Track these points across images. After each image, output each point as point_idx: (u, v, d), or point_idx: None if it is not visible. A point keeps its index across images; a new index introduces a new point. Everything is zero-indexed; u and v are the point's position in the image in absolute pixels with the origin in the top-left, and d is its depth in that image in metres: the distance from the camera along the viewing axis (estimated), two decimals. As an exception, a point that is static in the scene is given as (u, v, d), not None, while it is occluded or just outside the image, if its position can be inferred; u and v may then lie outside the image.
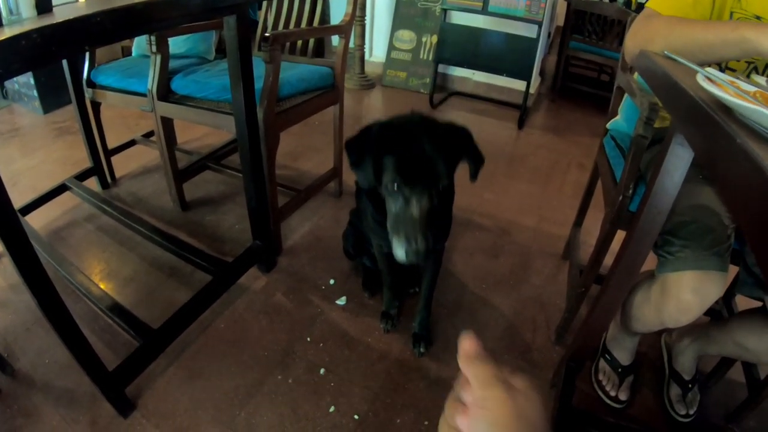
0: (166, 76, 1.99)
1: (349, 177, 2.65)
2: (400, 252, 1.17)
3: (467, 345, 0.43)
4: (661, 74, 0.82)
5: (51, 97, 3.45)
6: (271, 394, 1.51)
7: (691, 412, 1.50)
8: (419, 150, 1.15)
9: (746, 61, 1.24)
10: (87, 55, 2.24)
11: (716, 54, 0.98)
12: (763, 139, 0.50)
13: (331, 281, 1.99)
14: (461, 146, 1.24)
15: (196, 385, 1.52)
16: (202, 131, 3.23)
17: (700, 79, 0.65)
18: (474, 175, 1.28)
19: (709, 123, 0.57)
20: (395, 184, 1.17)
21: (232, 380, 1.54)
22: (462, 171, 1.26)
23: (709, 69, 0.70)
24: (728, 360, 1.58)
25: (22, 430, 1.37)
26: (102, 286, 1.78)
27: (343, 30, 2.10)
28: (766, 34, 0.87)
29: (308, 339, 1.71)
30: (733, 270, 1.31)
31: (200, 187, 2.58)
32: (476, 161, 1.26)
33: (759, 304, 1.32)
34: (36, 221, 2.20)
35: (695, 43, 1.00)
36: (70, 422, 1.39)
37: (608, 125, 1.78)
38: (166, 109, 2.01)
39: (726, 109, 0.58)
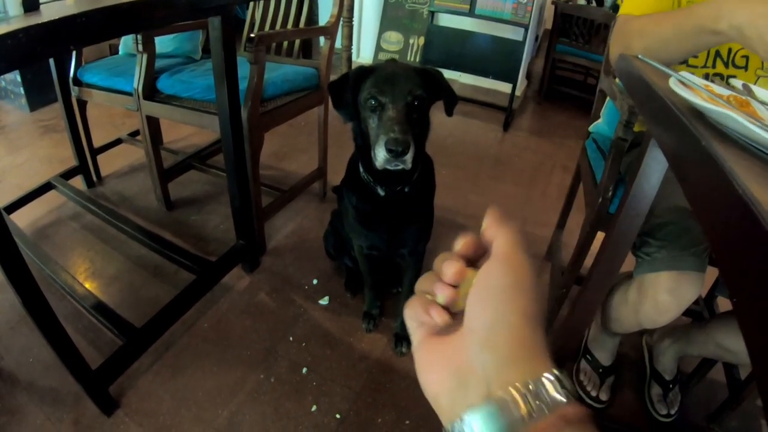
0: (152, 76, 1.98)
1: (334, 177, 2.65)
2: (381, 152, 1.17)
3: (496, 212, 0.40)
4: (636, 77, 0.84)
5: (37, 94, 3.41)
6: (253, 393, 1.51)
7: (672, 412, 1.52)
8: (392, 70, 1.23)
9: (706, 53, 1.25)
10: (74, 53, 2.22)
11: (693, 43, 0.95)
12: (732, 143, 0.51)
13: (314, 281, 1.99)
14: (434, 82, 1.28)
15: (179, 384, 1.52)
16: (188, 131, 3.21)
17: (672, 83, 0.67)
18: (449, 111, 1.34)
19: (677, 125, 0.58)
20: (371, 97, 1.21)
21: (215, 379, 1.54)
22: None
23: (683, 73, 0.72)
24: (709, 360, 1.60)
25: (6, 428, 1.37)
26: (86, 285, 1.77)
27: (328, 31, 2.10)
28: (738, 5, 0.82)
29: (291, 338, 1.71)
30: (714, 272, 1.33)
31: (185, 187, 2.57)
32: (449, 97, 1.32)
33: None
34: (21, 219, 2.18)
35: (670, 38, 0.98)
36: (54, 421, 1.39)
37: (590, 128, 1.80)
38: (152, 108, 2.01)
39: (697, 113, 0.60)
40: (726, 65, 1.23)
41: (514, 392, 0.30)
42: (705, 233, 0.46)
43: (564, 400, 0.30)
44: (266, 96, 1.87)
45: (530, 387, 0.30)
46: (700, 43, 0.94)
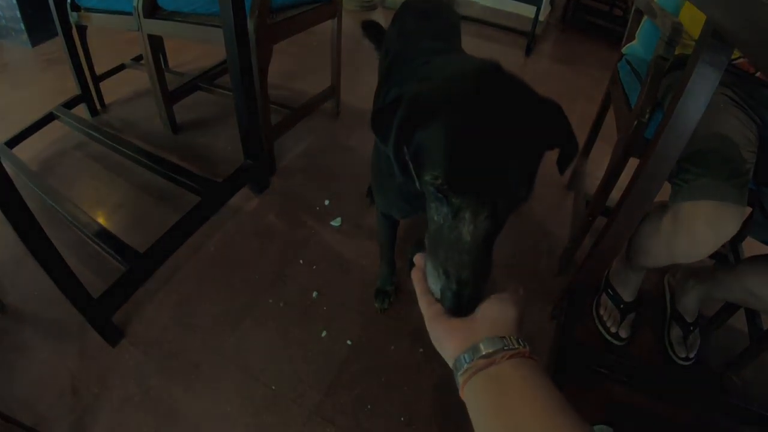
0: (152, -8, 1.86)
1: (348, 97, 2.55)
2: (434, 286, 0.67)
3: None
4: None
5: (39, 30, 3.30)
6: (261, 318, 1.47)
7: (691, 355, 1.48)
8: (487, 131, 0.62)
9: None
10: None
11: None
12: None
13: (326, 202, 1.93)
14: (550, 129, 0.73)
15: (184, 310, 1.49)
16: (194, 53, 3.09)
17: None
18: (563, 166, 0.81)
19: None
20: (439, 186, 0.63)
21: (222, 305, 1.51)
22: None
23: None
24: (731, 306, 1.54)
25: (14, 364, 1.34)
26: (91, 214, 1.70)
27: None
28: None
29: (301, 261, 1.67)
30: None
31: (192, 110, 2.48)
32: (570, 150, 0.79)
33: None
34: (24, 153, 2.09)
35: None
36: (60, 354, 1.36)
37: (624, 50, 1.68)
38: (153, 26, 1.89)
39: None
40: None
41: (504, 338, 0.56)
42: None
43: (525, 347, 0.55)
44: (275, 5, 1.75)
45: (512, 338, 0.56)
46: None
